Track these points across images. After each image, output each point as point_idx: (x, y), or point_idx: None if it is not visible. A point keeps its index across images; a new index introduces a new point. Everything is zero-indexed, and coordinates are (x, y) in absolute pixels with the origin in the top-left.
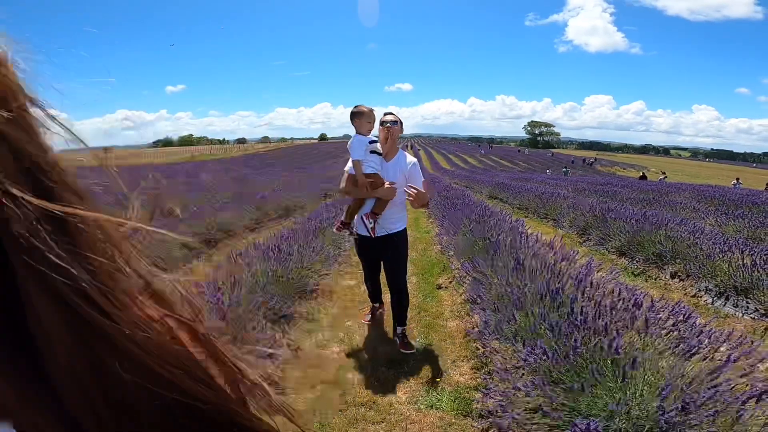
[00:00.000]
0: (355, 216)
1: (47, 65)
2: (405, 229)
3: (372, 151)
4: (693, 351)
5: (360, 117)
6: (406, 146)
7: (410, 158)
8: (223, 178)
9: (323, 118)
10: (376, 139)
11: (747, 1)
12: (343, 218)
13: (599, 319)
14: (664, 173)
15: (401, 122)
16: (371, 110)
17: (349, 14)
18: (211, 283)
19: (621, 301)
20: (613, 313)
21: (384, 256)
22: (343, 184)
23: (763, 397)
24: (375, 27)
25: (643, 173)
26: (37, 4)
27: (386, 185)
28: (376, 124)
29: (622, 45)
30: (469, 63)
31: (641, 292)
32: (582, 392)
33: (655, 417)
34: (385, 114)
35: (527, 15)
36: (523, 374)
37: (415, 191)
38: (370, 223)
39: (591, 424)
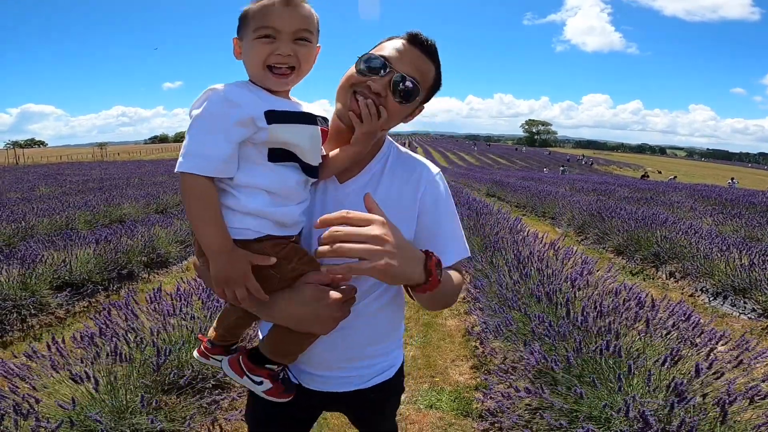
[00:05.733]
0: (240, 331)
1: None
2: (401, 368)
3: (272, 151)
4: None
5: (250, 26)
6: (404, 144)
7: (431, 170)
8: None
9: (322, 114)
10: (320, 116)
11: (743, 2)
12: (210, 334)
13: (599, 318)
14: (659, 172)
15: (418, 87)
16: (297, 9)
17: (347, 10)
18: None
19: (623, 302)
20: (615, 313)
21: None
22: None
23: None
24: (373, 23)
25: (646, 172)
26: (33, 3)
27: (321, 275)
28: (321, 65)
29: (619, 45)
30: (468, 61)
31: (641, 292)
32: (581, 397)
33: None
34: (388, 40)
35: (525, 14)
36: (523, 374)
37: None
38: (257, 381)
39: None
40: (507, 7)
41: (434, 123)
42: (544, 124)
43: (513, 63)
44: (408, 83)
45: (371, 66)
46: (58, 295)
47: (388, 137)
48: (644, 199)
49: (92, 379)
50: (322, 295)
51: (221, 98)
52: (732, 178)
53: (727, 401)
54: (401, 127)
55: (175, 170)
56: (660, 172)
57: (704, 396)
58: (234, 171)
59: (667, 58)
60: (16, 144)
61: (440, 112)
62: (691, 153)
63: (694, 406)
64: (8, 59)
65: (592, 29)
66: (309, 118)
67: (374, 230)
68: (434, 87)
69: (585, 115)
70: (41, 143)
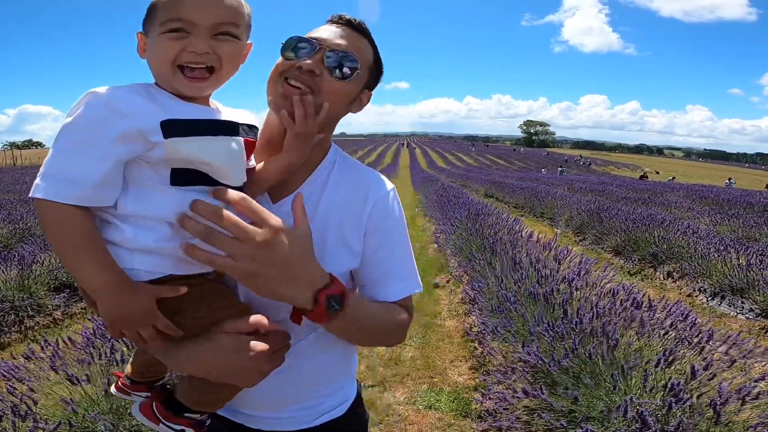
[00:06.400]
0: (163, 367)
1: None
2: (357, 400)
3: (177, 171)
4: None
5: (157, 18)
6: (403, 144)
7: (383, 185)
8: None
9: (250, 121)
10: (245, 124)
11: (740, 3)
12: (126, 370)
13: (595, 319)
14: (657, 173)
15: (356, 60)
16: None
17: (346, 10)
18: None
19: (619, 303)
20: (611, 313)
21: None
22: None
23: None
24: (373, 24)
25: (644, 173)
26: (33, 3)
27: (241, 324)
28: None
29: (617, 45)
30: (466, 62)
31: (638, 292)
32: (576, 399)
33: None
34: (320, 28)
35: (524, 15)
36: (522, 375)
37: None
38: (177, 430)
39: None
40: (505, 8)
41: (433, 124)
42: (542, 124)
43: (511, 64)
44: (343, 55)
45: (299, 48)
46: (56, 296)
47: (335, 144)
48: (642, 200)
49: (91, 380)
50: (243, 346)
51: (102, 104)
52: (729, 179)
53: (719, 402)
54: (400, 128)
55: (30, 195)
56: (658, 173)
57: (699, 396)
58: (113, 198)
59: (665, 58)
60: (13, 145)
61: (439, 113)
62: (689, 153)
63: (690, 406)
64: (6, 59)
65: (590, 30)
66: (228, 128)
67: (259, 234)
68: (376, 70)
69: (583, 115)
70: (39, 144)
